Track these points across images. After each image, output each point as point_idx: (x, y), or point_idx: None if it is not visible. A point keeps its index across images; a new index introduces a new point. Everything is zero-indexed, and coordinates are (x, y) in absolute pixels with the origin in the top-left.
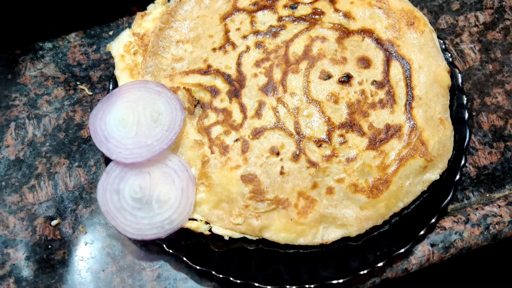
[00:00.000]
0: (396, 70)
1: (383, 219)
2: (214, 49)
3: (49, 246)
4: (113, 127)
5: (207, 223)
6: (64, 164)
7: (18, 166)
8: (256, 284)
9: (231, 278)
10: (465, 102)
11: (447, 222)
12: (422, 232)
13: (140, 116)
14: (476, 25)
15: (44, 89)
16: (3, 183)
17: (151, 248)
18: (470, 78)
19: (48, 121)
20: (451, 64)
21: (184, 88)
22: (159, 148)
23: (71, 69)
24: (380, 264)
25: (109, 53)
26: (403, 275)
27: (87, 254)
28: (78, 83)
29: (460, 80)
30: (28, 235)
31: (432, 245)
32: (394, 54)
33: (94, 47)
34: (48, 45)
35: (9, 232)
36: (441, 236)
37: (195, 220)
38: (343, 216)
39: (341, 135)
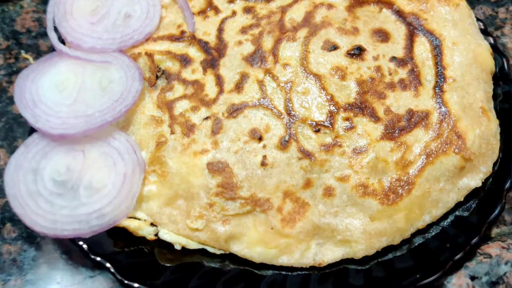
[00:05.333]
0: (422, 46)
1: (402, 236)
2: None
3: None
4: (46, 92)
5: (154, 225)
6: None
7: None
8: None
9: None
10: None
11: (492, 248)
12: (458, 256)
13: (85, 81)
14: None
15: None
16: None
17: (76, 258)
18: None
19: None
20: (495, 49)
21: (146, 54)
22: (101, 120)
23: (17, 36)
24: None
25: None
26: None
27: None
28: (22, 51)
29: (506, 68)
30: None
31: (473, 278)
32: (419, 29)
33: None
34: None
35: None
36: (485, 266)
37: (138, 219)
38: (346, 229)
39: (347, 119)
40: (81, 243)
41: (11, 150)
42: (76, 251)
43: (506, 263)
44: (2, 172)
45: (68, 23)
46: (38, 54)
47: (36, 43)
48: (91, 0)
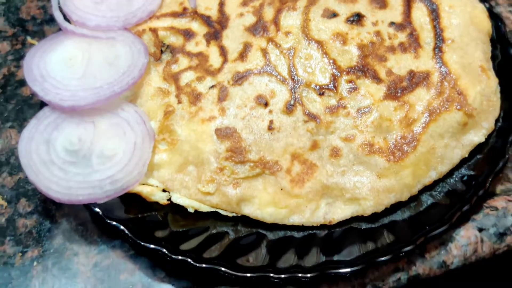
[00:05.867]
0: (419, 12)
1: (410, 192)
2: None
3: None
4: (54, 67)
5: (166, 191)
6: None
7: None
8: (224, 269)
9: (190, 261)
10: None
11: (498, 202)
12: (465, 208)
13: (92, 57)
14: None
15: None
16: None
17: (91, 229)
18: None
19: None
20: (490, 13)
21: (150, 30)
22: (110, 92)
23: (23, 23)
24: (408, 249)
25: None
26: (440, 272)
27: (1, 234)
28: (28, 37)
29: (502, 30)
30: None
31: (481, 230)
32: None
33: None
34: None
35: None
36: (492, 218)
37: (150, 186)
38: (354, 187)
39: (350, 81)
40: (96, 209)
41: (22, 130)
42: (91, 223)
43: None
44: (14, 150)
45: (73, 2)
46: None
47: (42, 29)
48: None
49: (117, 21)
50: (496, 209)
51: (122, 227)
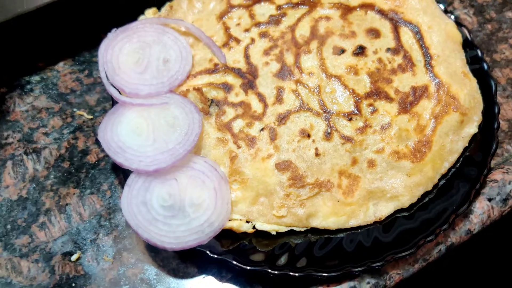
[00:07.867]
0: (406, 35)
1: (433, 182)
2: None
3: (73, 285)
4: (126, 138)
5: (248, 222)
6: (74, 194)
7: (22, 205)
8: (317, 274)
9: (290, 273)
10: (479, 54)
11: (496, 175)
12: (477, 187)
13: (154, 123)
14: None
15: (39, 121)
16: (8, 226)
17: (189, 265)
18: (474, 40)
19: (49, 153)
20: (457, 23)
21: (194, 89)
22: (184, 150)
23: (65, 97)
24: (445, 227)
25: None
26: (467, 237)
27: (118, 285)
28: (75, 109)
29: (468, 36)
30: (46, 277)
31: (490, 200)
32: (400, 21)
33: (86, 72)
34: (36, 78)
35: (23, 278)
36: (495, 189)
37: (236, 220)
38: (392, 187)
39: (370, 105)
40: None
41: (101, 194)
42: (188, 261)
43: (509, 183)
44: (101, 213)
45: (120, 77)
46: (90, 109)
47: (84, 99)
48: (131, 54)
49: (162, 86)
50: (496, 181)
51: (234, 262)
